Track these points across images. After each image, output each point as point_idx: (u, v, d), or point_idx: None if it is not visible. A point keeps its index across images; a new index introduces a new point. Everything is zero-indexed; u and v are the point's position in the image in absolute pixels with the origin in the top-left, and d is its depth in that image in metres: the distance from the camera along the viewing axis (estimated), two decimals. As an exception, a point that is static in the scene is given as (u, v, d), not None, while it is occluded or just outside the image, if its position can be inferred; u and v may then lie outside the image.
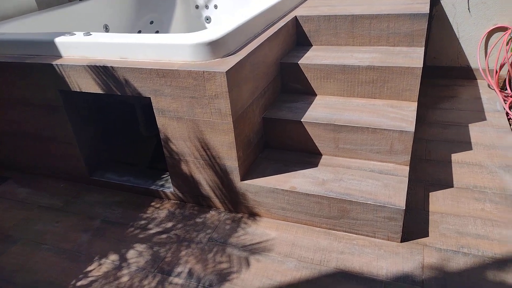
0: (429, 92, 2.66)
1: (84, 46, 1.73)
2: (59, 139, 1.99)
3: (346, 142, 1.73)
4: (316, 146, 1.79)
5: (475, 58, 2.69)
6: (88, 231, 1.78)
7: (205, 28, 3.22)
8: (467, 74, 2.75)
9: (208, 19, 3.19)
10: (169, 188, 1.90)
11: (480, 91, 2.59)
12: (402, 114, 1.72)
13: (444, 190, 1.76)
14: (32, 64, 1.79)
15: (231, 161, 1.64)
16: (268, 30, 1.91)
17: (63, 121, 1.91)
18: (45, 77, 1.80)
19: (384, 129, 1.63)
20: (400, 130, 1.61)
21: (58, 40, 1.78)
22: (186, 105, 1.58)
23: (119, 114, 2.22)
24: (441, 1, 2.60)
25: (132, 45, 1.63)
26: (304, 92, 2.02)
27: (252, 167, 1.76)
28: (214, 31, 1.59)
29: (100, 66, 1.65)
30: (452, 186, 1.77)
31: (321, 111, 1.82)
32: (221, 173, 1.70)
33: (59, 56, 1.81)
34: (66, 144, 1.99)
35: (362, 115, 1.75)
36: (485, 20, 2.55)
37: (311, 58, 1.98)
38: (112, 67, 1.62)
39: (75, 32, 1.84)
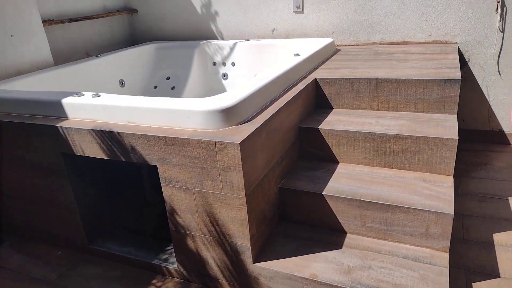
0: (460, 158, 2.46)
1: (91, 108, 1.63)
2: (58, 203, 1.84)
3: (375, 221, 1.53)
4: (339, 223, 1.59)
5: (508, 122, 2.50)
6: (79, 314, 1.57)
7: (222, 84, 3.17)
8: (501, 139, 2.55)
9: (225, 76, 3.14)
10: (173, 264, 1.70)
11: (517, 158, 2.39)
12: (437, 191, 1.52)
13: (489, 280, 1.50)
14: (35, 125, 1.69)
15: (242, 239, 1.45)
16: (287, 93, 1.79)
17: (64, 186, 1.77)
18: (47, 139, 1.69)
19: (418, 209, 1.43)
20: (437, 212, 1.40)
21: (64, 101, 1.69)
22: (195, 176, 1.43)
23: (124, 177, 2.08)
24: (469, 63, 2.47)
25: (140, 110, 1.52)
26: (325, 159, 1.85)
27: (267, 245, 1.56)
28: (228, 97, 1.47)
29: (105, 130, 1.53)
30: (498, 276, 1.52)
31: (344, 182, 1.64)
32: (231, 253, 1.50)
33: (65, 117, 1.71)
34: (65, 210, 1.84)
35: (391, 190, 1.56)
36: (518, 83, 2.40)
37: (332, 123, 1.83)
38: (118, 132, 1.50)
39: (84, 93, 1.76)
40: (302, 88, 1.86)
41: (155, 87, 3.20)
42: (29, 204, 1.94)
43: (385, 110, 1.94)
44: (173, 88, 3.20)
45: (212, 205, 1.45)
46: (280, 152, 1.65)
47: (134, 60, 3.11)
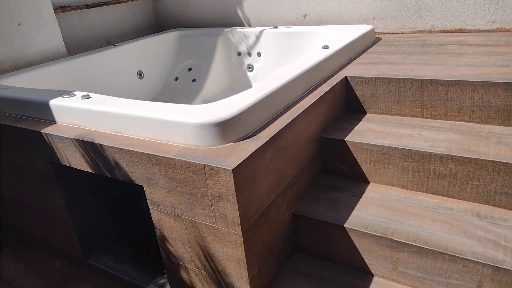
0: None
1: (76, 112, 1.42)
2: (52, 212, 1.68)
3: (409, 266, 1.20)
4: (365, 262, 1.28)
5: None
6: None
7: (247, 76, 2.88)
8: None
9: (250, 67, 2.84)
10: (169, 292, 1.48)
11: None
12: (496, 233, 1.16)
13: None
14: (22, 129, 1.51)
15: (240, 281, 1.19)
16: (308, 96, 1.48)
17: (55, 196, 1.60)
18: (34, 145, 1.51)
19: (469, 259, 1.09)
20: (495, 266, 1.05)
21: (52, 103, 1.49)
22: (184, 202, 1.17)
23: (123, 190, 1.88)
24: (543, 56, 2.00)
25: (127, 117, 1.28)
26: (352, 177, 1.53)
27: (274, 284, 1.29)
28: (226, 106, 1.18)
29: (88, 141, 1.31)
30: None
31: (373, 211, 1.32)
32: (228, 293, 1.25)
33: (52, 121, 1.52)
34: (59, 220, 1.67)
35: (434, 227, 1.22)
36: None
37: (363, 134, 1.50)
38: (100, 144, 1.28)
39: (75, 93, 1.55)
40: (327, 89, 1.54)
41: (176, 78, 2.97)
42: (27, 210, 1.79)
43: (431, 119, 1.57)
44: (194, 80, 2.96)
45: (205, 237, 1.19)
46: (294, 171, 1.35)
47: (154, 49, 2.89)
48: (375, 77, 1.61)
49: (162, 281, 1.56)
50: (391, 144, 1.40)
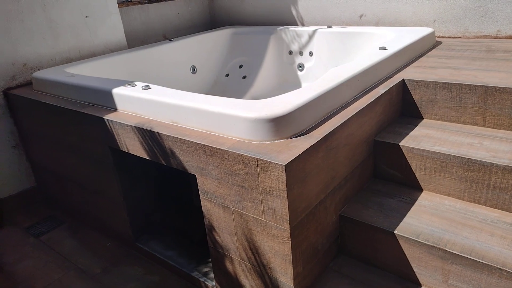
0: None
1: (137, 102, 1.49)
2: (108, 195, 1.78)
3: (462, 280, 1.15)
4: (413, 271, 1.24)
5: None
6: (109, 320, 1.48)
7: (297, 76, 2.87)
8: None
9: (301, 67, 2.83)
10: (212, 282, 1.52)
11: None
12: None
13: None
14: (86, 115, 1.61)
15: (285, 277, 1.19)
16: (363, 97, 1.45)
17: (112, 180, 1.69)
18: (96, 130, 1.60)
19: (531, 278, 1.02)
20: (562, 288, 0.98)
21: (114, 92, 1.58)
22: (234, 194, 1.20)
23: (175, 178, 1.95)
24: None
25: (184, 109, 1.33)
26: (404, 183, 1.49)
27: (317, 285, 1.28)
28: (281, 103, 1.19)
29: (147, 129, 1.37)
30: None
31: (426, 220, 1.27)
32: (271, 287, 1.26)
33: (113, 108, 1.61)
34: (113, 203, 1.77)
35: (491, 241, 1.15)
36: None
37: (419, 139, 1.45)
38: (158, 133, 1.34)
39: (136, 83, 1.63)
40: (383, 92, 1.50)
41: (227, 75, 3.02)
42: (85, 192, 1.91)
43: (493, 128, 1.48)
44: (244, 77, 3.00)
45: (252, 230, 1.21)
46: (345, 172, 1.34)
47: (208, 45, 2.96)
48: (435, 82, 1.55)
49: (205, 269, 1.60)
50: (449, 152, 1.34)
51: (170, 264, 1.66)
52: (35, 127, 1.99)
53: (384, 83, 1.60)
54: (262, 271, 1.26)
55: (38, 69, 2.19)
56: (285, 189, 1.04)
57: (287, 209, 1.07)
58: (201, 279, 1.54)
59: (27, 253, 1.89)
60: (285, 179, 1.03)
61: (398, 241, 1.24)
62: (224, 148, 1.15)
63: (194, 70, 2.89)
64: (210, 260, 1.64)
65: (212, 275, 1.56)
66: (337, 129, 1.22)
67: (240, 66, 3.04)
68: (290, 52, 2.87)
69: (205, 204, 1.33)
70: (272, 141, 1.15)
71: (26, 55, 2.14)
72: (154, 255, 1.72)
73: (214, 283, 1.50)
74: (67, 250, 1.90)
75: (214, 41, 2.98)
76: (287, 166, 1.02)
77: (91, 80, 1.76)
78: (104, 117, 1.53)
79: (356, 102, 1.41)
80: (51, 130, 1.88)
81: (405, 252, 1.23)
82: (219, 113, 1.23)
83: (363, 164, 1.46)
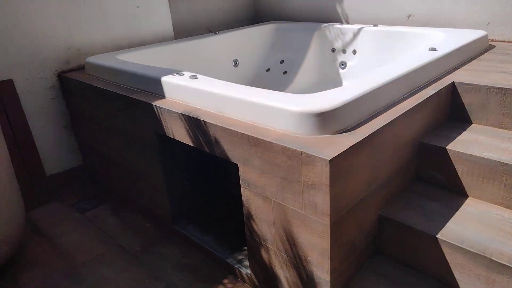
0: None
1: (184, 90, 1.54)
2: (150, 179, 1.85)
3: (505, 291, 1.11)
4: (454, 278, 1.22)
5: None
6: (146, 297, 1.55)
7: (338, 73, 2.85)
8: None
9: (343, 64, 2.80)
10: (246, 269, 1.56)
11: None
12: None
13: None
14: (135, 100, 1.68)
15: (321, 271, 1.20)
16: (411, 98, 1.43)
17: (156, 164, 1.76)
18: (144, 115, 1.67)
19: None
20: None
21: (163, 80, 1.64)
22: (275, 186, 1.22)
23: (214, 164, 1.99)
24: None
25: (230, 99, 1.36)
26: (449, 188, 1.45)
27: (352, 282, 1.28)
28: (328, 98, 1.20)
29: (193, 117, 1.42)
30: None
31: (471, 227, 1.24)
32: (306, 281, 1.28)
33: (161, 96, 1.67)
34: (155, 187, 1.84)
35: (540, 254, 1.11)
36: None
37: (467, 144, 1.41)
38: (204, 121, 1.38)
39: (184, 72, 1.68)
40: (432, 93, 1.47)
41: (268, 69, 3.04)
42: (128, 173, 2.00)
43: (549, 137, 1.42)
44: (285, 73, 3.01)
45: (291, 222, 1.23)
46: (388, 172, 1.32)
47: (251, 40, 2.99)
48: (488, 86, 1.50)
49: (240, 257, 1.64)
50: (500, 159, 1.29)
51: (206, 249, 1.71)
52: (85, 109, 2.10)
53: (433, 85, 1.56)
54: (298, 263, 1.27)
55: (91, 55, 2.30)
56: (328, 184, 1.05)
57: (329, 204, 1.08)
58: (235, 266, 1.58)
59: (73, 227, 2.01)
60: (328, 174, 1.04)
61: (440, 245, 1.21)
62: (268, 140, 1.17)
63: (236, 63, 2.93)
64: (245, 248, 1.67)
65: (246, 263, 1.59)
66: (383, 128, 1.21)
67: (282, 62, 3.05)
68: (333, 50, 2.85)
69: (245, 193, 1.36)
70: (316, 136, 1.16)
71: (80, 41, 2.25)
72: (191, 239, 1.78)
73: (248, 271, 1.53)
74: (109, 228, 1.99)
75: (257, 36, 3.00)
76: (331, 161, 1.03)
77: (141, 67, 1.84)
78: (153, 104, 1.59)
79: (403, 102, 1.38)
80: (101, 113, 1.97)
81: (447, 258, 1.21)
82: (265, 105, 1.25)
83: (407, 166, 1.44)
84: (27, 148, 2.10)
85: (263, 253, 1.41)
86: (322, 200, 1.09)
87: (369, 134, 1.15)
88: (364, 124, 1.22)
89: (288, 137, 1.18)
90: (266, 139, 1.17)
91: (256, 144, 1.21)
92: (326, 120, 1.15)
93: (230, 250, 1.68)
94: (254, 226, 1.39)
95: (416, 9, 2.51)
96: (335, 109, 1.15)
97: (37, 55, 2.10)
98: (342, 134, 1.16)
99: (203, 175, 1.99)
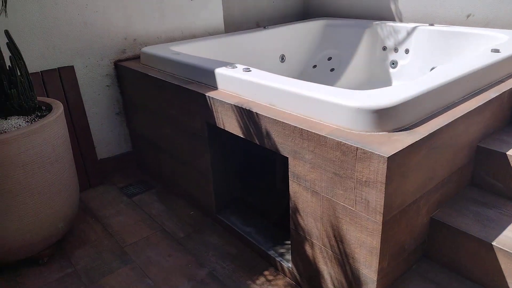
0: None
1: (237, 82, 1.56)
2: (197, 168, 1.90)
3: None
4: (507, 288, 1.17)
5: None
6: (190, 281, 1.60)
7: (388, 72, 2.78)
8: None
9: (394, 63, 2.73)
10: (288, 262, 1.57)
11: None
12: None
13: None
14: (188, 90, 1.73)
15: (368, 270, 1.19)
16: (471, 100, 1.37)
17: (204, 153, 1.80)
18: (196, 106, 1.72)
19: None
20: None
21: (216, 71, 1.67)
22: (326, 180, 1.22)
23: (260, 157, 2.01)
24: None
25: (282, 92, 1.37)
26: (507, 195, 1.38)
27: (398, 285, 1.26)
28: (386, 94, 1.18)
29: (245, 108, 1.44)
30: None
31: (529, 237, 1.18)
32: (351, 278, 1.27)
33: (214, 87, 1.70)
34: (202, 175, 1.89)
35: None
36: None
37: (530, 151, 1.34)
38: (257, 113, 1.40)
39: (236, 65, 1.71)
40: (494, 96, 1.40)
41: (314, 66, 3.02)
42: (175, 161, 2.06)
43: None
44: (332, 70, 2.97)
45: (339, 218, 1.22)
46: (443, 175, 1.28)
47: (299, 36, 2.98)
48: (557, 90, 1.41)
49: (282, 250, 1.65)
50: None
51: (248, 239, 1.73)
52: (138, 97, 2.18)
53: (495, 87, 1.49)
54: (344, 260, 1.27)
55: (145, 45, 2.39)
56: (384, 181, 1.04)
57: (383, 202, 1.06)
58: (277, 259, 1.59)
59: (121, 210, 2.10)
60: (385, 172, 1.02)
61: (495, 253, 1.16)
62: (322, 134, 1.17)
63: (283, 59, 2.93)
64: (286, 242, 1.68)
65: (288, 256, 1.60)
66: (442, 128, 1.17)
67: (329, 59, 3.02)
68: (384, 48, 2.78)
69: (293, 187, 1.36)
70: (372, 133, 1.15)
71: (137, 31, 2.34)
72: (233, 229, 1.81)
73: (290, 265, 1.54)
74: (155, 212, 2.07)
75: (306, 32, 2.99)
76: (389, 158, 1.01)
77: (195, 59, 1.88)
78: (206, 94, 1.63)
79: (463, 104, 1.33)
80: (153, 101, 2.05)
81: (502, 267, 1.16)
82: (319, 100, 1.25)
83: (462, 170, 1.39)
84: (82, 132, 2.21)
85: (307, 248, 1.41)
86: (376, 197, 1.08)
87: (428, 133, 1.12)
88: (422, 123, 1.19)
89: (342, 132, 1.17)
90: (320, 133, 1.17)
91: (309, 138, 1.22)
92: (383, 117, 1.13)
93: (271, 243, 1.69)
94: (300, 220, 1.39)
95: (477, 9, 2.40)
96: (394, 107, 1.13)
97: (97, 44, 2.21)
98: (399, 132, 1.14)
99: (247, 167, 2.01)
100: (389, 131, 1.15)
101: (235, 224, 1.84)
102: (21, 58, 1.60)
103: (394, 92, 1.20)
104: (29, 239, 1.58)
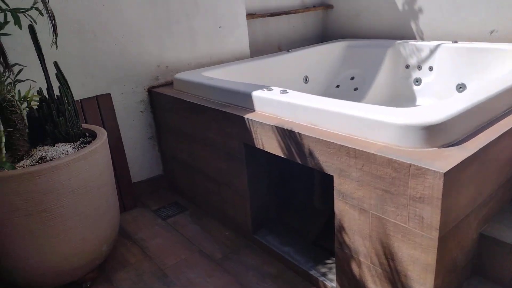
0: None
1: (277, 104, 1.61)
2: (234, 188, 1.93)
3: None
4: None
5: None
6: (233, 302, 1.60)
7: (412, 90, 2.80)
8: None
9: (417, 81, 2.76)
10: (332, 282, 1.56)
11: None
12: None
13: None
14: (227, 114, 1.78)
15: (422, 287, 1.18)
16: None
17: (241, 173, 1.83)
18: (234, 127, 1.76)
19: None
20: None
21: (254, 94, 1.72)
22: (375, 198, 1.23)
23: (296, 176, 2.03)
24: None
25: (324, 112, 1.41)
26: (554, 209, 1.37)
27: (451, 301, 1.25)
28: (433, 111, 1.20)
29: (287, 129, 1.48)
30: None
31: None
32: (403, 296, 1.26)
33: (251, 109, 1.75)
34: (238, 195, 1.91)
35: None
36: None
37: None
38: (299, 133, 1.43)
39: (272, 87, 1.75)
40: (535, 109, 1.42)
41: (337, 86, 3.07)
42: (211, 182, 2.10)
43: None
44: (355, 89, 3.01)
45: (390, 236, 1.23)
46: (491, 189, 1.29)
47: (322, 57, 3.04)
48: None
49: (324, 270, 1.65)
50: None
51: (287, 259, 1.73)
52: (171, 122, 2.24)
53: (534, 101, 1.50)
54: (395, 278, 1.26)
55: (177, 72, 2.47)
56: (440, 197, 1.05)
57: (439, 218, 1.07)
58: (319, 278, 1.59)
59: (157, 232, 2.12)
60: (441, 187, 1.04)
61: (554, 268, 1.15)
62: (372, 152, 1.19)
63: (306, 80, 2.99)
64: (328, 261, 1.68)
65: (331, 276, 1.60)
66: (492, 142, 1.18)
67: (352, 78, 3.07)
68: (407, 66, 2.82)
69: (339, 205, 1.38)
70: (422, 149, 1.16)
71: (169, 58, 2.43)
72: (271, 249, 1.82)
73: (334, 284, 1.54)
74: (191, 234, 2.09)
75: (328, 53, 3.05)
76: (446, 174, 1.03)
77: (229, 83, 1.94)
78: (244, 116, 1.68)
79: (506, 118, 1.35)
80: (188, 125, 2.10)
81: (562, 282, 1.14)
82: (364, 118, 1.28)
83: (508, 183, 1.39)
84: (118, 157, 2.27)
85: (354, 266, 1.41)
86: (432, 213, 1.08)
87: (480, 148, 1.13)
88: (469, 139, 1.21)
89: (391, 149, 1.19)
90: (369, 151, 1.20)
91: (357, 155, 1.24)
92: (432, 134, 1.15)
93: (312, 262, 1.69)
94: (346, 238, 1.40)
95: (500, 24, 2.43)
96: (442, 123, 1.15)
97: (132, 72, 2.29)
98: (449, 148, 1.16)
99: (283, 186, 2.03)
100: (438, 147, 1.16)
101: (273, 244, 1.84)
102: (68, 87, 1.67)
103: (441, 108, 1.22)
104: (76, 263, 1.61)
